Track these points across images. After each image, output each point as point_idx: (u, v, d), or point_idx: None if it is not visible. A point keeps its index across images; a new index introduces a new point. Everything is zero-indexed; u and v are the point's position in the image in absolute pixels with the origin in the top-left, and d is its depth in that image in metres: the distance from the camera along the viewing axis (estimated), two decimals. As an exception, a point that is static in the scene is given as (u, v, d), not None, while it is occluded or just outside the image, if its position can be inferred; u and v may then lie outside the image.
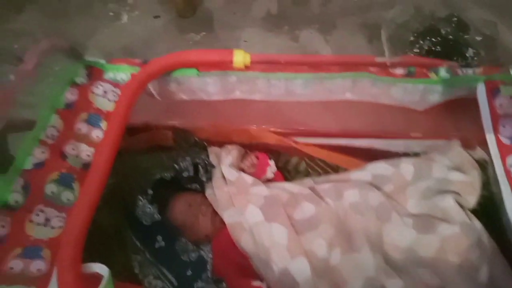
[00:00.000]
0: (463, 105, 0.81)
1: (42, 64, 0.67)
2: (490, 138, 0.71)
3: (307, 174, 0.97)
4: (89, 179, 0.62)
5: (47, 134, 0.68)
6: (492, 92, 0.72)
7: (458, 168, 0.85)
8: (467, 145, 0.85)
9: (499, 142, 0.71)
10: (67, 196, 0.66)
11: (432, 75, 0.75)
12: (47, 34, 1.63)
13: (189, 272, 0.78)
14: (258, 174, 0.88)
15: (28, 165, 0.64)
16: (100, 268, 0.55)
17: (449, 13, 1.40)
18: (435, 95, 0.77)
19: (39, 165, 0.65)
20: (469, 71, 0.73)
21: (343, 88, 0.80)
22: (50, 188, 0.65)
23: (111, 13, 1.68)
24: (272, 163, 0.90)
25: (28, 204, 0.62)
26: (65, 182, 0.66)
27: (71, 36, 1.57)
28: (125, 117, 0.71)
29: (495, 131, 0.71)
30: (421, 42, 1.34)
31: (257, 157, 0.92)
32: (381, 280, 0.71)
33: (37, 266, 0.57)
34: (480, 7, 1.42)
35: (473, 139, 0.83)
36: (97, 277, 0.54)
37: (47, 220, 0.63)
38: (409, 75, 0.75)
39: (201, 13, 1.68)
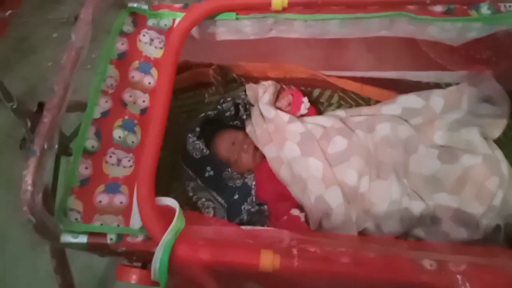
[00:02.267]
0: (499, 38, 0.81)
1: (96, 18, 0.71)
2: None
3: (339, 107, 1.03)
4: (153, 121, 0.71)
5: (107, 84, 0.76)
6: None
7: (488, 100, 0.88)
8: (499, 78, 0.87)
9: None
10: (131, 139, 0.76)
11: (473, 13, 0.74)
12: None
13: (236, 196, 0.91)
14: (293, 111, 0.95)
15: (97, 114, 0.73)
16: (171, 202, 0.67)
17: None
18: (473, 33, 0.77)
19: (105, 114, 0.74)
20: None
21: (379, 27, 0.81)
22: (117, 133, 0.75)
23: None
24: (305, 99, 0.96)
25: (102, 147, 0.72)
26: (128, 127, 0.76)
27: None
28: (174, 64, 0.77)
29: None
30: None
31: (292, 95, 0.97)
32: (404, 203, 0.82)
33: (119, 199, 0.69)
34: None
35: (507, 72, 0.85)
36: (169, 209, 0.67)
37: (119, 160, 0.74)
38: (448, 12, 0.75)
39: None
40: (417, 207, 0.82)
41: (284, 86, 1.03)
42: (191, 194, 0.95)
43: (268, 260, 0.59)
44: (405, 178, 0.85)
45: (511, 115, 0.87)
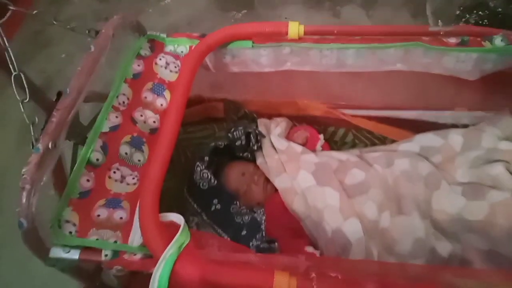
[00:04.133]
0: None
1: (114, 38, 0.73)
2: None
3: (353, 145, 1.00)
4: (161, 141, 0.68)
5: (119, 101, 0.75)
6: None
7: (508, 138, 0.85)
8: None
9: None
10: (138, 157, 0.72)
11: (487, 44, 0.75)
12: (98, 16, 1.73)
13: (244, 232, 0.84)
14: (308, 148, 0.92)
15: (105, 128, 0.71)
16: (176, 217, 0.61)
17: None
18: (488, 64, 0.77)
19: (114, 128, 0.72)
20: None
21: (395, 58, 0.81)
22: (124, 149, 0.71)
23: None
24: (321, 136, 0.94)
25: (107, 162, 0.68)
26: (136, 144, 0.73)
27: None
28: (188, 86, 0.76)
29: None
30: (467, 16, 1.32)
31: (307, 131, 0.95)
32: (430, 242, 0.74)
33: (120, 215, 0.63)
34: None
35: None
36: (173, 225, 0.60)
37: (123, 177, 0.69)
38: (462, 44, 0.76)
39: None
40: (444, 248, 0.74)
41: (296, 124, 1.01)
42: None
43: (283, 283, 0.52)
44: (429, 216, 0.78)
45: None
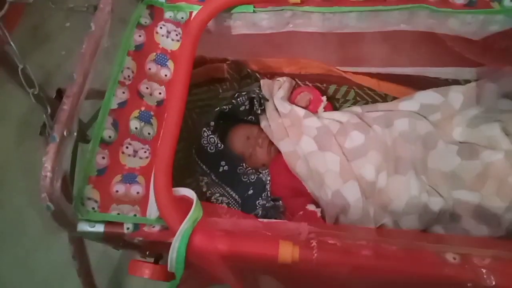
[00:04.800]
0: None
1: (114, 9, 0.72)
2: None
3: (355, 103, 1.02)
4: (170, 113, 0.71)
5: (124, 75, 0.76)
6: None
7: (507, 96, 0.87)
8: (520, 73, 0.85)
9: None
10: (147, 130, 0.75)
11: (495, 5, 0.73)
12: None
13: (250, 191, 0.90)
14: (311, 110, 0.94)
15: (114, 104, 0.73)
16: (188, 192, 0.66)
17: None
18: (495, 26, 0.76)
19: (122, 104, 0.74)
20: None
21: (398, 20, 0.80)
22: (134, 124, 0.74)
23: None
24: (324, 98, 0.96)
25: (119, 138, 0.72)
26: (145, 118, 0.76)
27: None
28: (191, 57, 0.77)
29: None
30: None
31: (311, 93, 0.97)
32: (423, 199, 0.80)
33: (136, 189, 0.69)
34: None
35: (527, 68, 0.83)
36: (186, 199, 0.66)
37: (135, 151, 0.73)
38: (469, 5, 0.74)
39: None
40: (436, 204, 0.80)
41: (299, 82, 1.02)
42: (204, 190, 0.94)
43: (287, 252, 0.58)
44: (424, 174, 0.83)
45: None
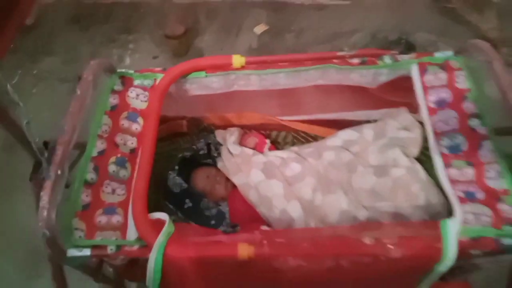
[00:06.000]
0: (404, 82, 1.09)
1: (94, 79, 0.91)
2: (422, 104, 0.98)
3: (293, 144, 1.25)
4: (142, 158, 0.88)
5: (102, 130, 0.93)
6: (422, 71, 1.00)
7: (405, 128, 1.13)
8: (411, 111, 1.13)
9: (428, 106, 0.98)
10: (123, 173, 0.91)
11: (380, 62, 1.02)
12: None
13: (212, 222, 1.06)
14: (258, 150, 1.15)
15: (94, 153, 0.89)
16: (161, 215, 0.81)
17: (399, 37, 1.94)
18: (383, 76, 1.04)
19: (102, 152, 0.91)
20: (405, 57, 1.01)
21: (315, 76, 1.06)
22: (112, 168, 0.90)
23: (115, 57, 2.02)
24: (268, 141, 1.18)
25: (99, 179, 0.87)
26: (120, 163, 0.92)
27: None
28: (158, 113, 0.96)
29: (425, 98, 0.98)
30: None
31: (257, 137, 1.19)
32: (352, 212, 1.00)
33: (116, 219, 0.83)
34: (423, 31, 1.95)
35: (413, 106, 1.11)
36: (159, 221, 0.81)
37: (113, 190, 0.88)
38: (362, 63, 1.02)
39: (193, 51, 2.04)
40: (362, 215, 1.00)
41: (247, 131, 1.24)
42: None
43: (244, 250, 0.74)
44: (350, 192, 1.04)
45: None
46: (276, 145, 1.26)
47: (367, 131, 1.14)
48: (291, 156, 1.10)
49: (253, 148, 1.17)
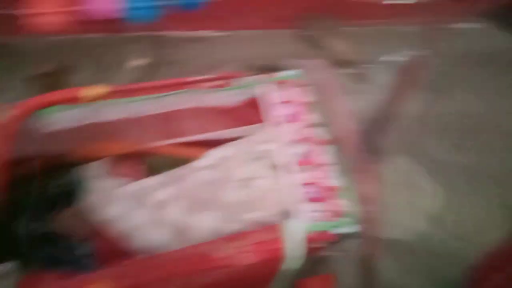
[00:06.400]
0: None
1: None
2: (269, 118, 1.11)
3: (161, 168, 1.27)
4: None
5: None
6: (268, 89, 1.13)
7: (264, 141, 1.25)
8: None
9: (275, 120, 1.11)
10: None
11: (233, 84, 1.12)
12: None
13: (79, 264, 1.01)
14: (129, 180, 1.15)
15: None
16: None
17: (265, 63, 1.91)
18: (237, 97, 1.15)
19: None
20: (250, 78, 1.13)
21: (176, 102, 1.12)
22: None
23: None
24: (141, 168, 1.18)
25: None
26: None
27: None
28: (4, 154, 0.90)
29: (271, 113, 1.11)
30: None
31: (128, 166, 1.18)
32: (224, 228, 1.06)
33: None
34: (287, 56, 2.01)
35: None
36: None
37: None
38: (218, 86, 1.11)
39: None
40: (233, 227, 1.07)
41: (116, 165, 1.22)
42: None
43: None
44: (220, 209, 1.10)
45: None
46: (151, 170, 1.27)
47: (231, 148, 1.23)
48: (159, 180, 1.12)
49: (125, 177, 1.16)
